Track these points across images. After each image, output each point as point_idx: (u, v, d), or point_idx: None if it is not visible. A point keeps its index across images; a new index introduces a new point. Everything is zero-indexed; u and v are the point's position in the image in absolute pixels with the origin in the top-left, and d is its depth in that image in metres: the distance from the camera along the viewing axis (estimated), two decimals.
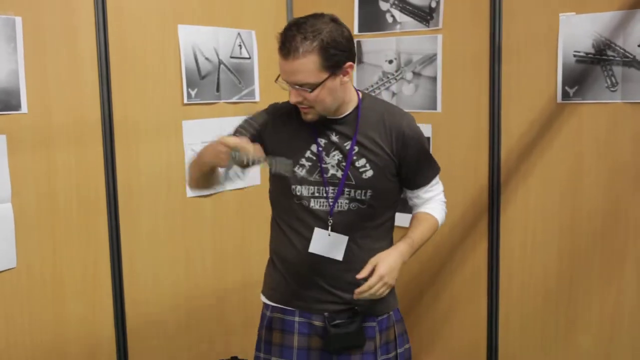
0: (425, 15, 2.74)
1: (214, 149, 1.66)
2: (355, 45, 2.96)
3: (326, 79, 1.66)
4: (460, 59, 2.66)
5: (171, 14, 2.65)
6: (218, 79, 2.82)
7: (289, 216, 1.83)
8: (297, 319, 1.86)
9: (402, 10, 2.80)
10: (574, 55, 2.37)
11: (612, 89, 2.30)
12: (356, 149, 1.77)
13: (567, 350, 2.50)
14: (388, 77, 2.87)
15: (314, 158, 1.78)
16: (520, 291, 2.58)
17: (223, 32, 2.83)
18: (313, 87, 1.66)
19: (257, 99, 2.97)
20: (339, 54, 1.66)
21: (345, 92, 1.76)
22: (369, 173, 1.77)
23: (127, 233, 2.55)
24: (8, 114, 2.19)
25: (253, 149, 1.60)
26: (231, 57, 2.87)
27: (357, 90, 1.83)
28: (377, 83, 2.91)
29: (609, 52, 2.29)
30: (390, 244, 1.88)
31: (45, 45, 2.29)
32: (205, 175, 1.81)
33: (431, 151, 2.04)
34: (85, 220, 2.43)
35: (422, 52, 2.75)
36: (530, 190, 2.52)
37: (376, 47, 2.89)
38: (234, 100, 2.89)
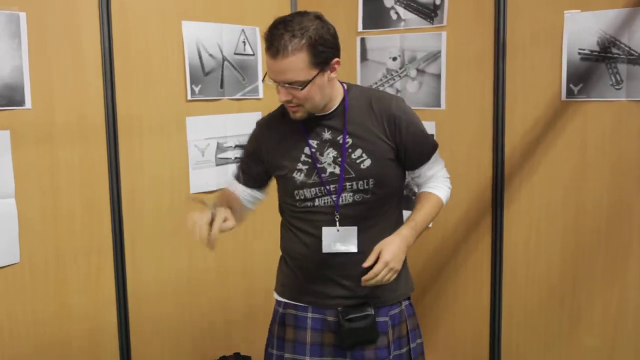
0: (430, 12, 2.73)
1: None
2: (359, 42, 3.00)
3: (315, 76, 1.67)
4: (464, 56, 2.65)
5: (175, 10, 2.65)
6: (222, 75, 2.82)
7: (297, 218, 1.85)
8: (310, 315, 1.86)
9: (407, 7, 2.80)
10: (579, 53, 2.36)
11: (616, 86, 2.29)
12: (350, 141, 1.77)
13: (570, 347, 2.50)
14: (392, 74, 2.87)
15: (310, 160, 1.79)
16: (524, 287, 2.58)
17: (227, 28, 2.83)
18: (303, 84, 1.67)
19: (261, 95, 2.97)
20: (327, 50, 1.68)
21: (333, 88, 1.77)
22: (367, 162, 1.77)
23: (130, 228, 2.55)
24: (12, 109, 2.20)
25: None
26: (235, 54, 2.87)
27: (341, 83, 1.84)
28: (381, 80, 2.90)
29: (614, 50, 2.28)
30: None
31: (49, 41, 2.29)
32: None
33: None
34: (88, 216, 2.44)
35: (427, 49, 2.75)
36: (534, 188, 2.52)
37: (380, 44, 2.89)
38: (237, 96, 2.89)
